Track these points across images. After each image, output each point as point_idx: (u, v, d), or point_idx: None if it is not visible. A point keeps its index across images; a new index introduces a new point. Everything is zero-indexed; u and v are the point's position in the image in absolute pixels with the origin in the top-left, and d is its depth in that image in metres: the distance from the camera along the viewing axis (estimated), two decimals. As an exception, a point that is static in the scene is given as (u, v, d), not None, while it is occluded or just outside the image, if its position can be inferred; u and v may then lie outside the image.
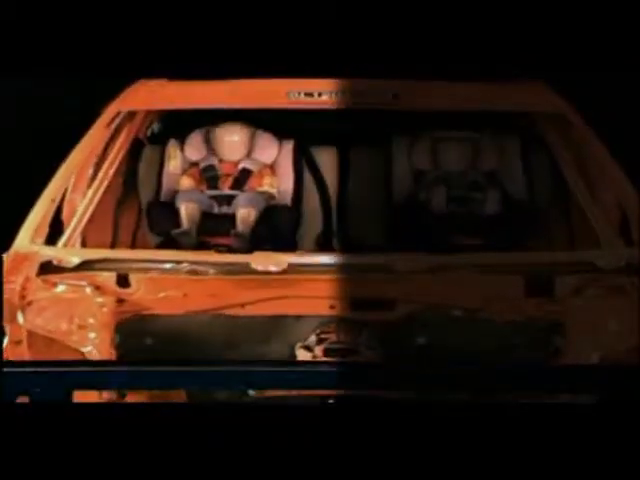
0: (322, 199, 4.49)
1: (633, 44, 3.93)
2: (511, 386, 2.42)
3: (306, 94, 3.86)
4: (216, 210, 4.25)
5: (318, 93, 3.86)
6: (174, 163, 4.38)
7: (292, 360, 3.06)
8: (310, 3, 4.35)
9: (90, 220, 3.89)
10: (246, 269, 3.29)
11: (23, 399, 2.36)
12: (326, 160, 4.55)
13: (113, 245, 4.32)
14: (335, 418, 2.40)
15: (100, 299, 3.34)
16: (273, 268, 3.27)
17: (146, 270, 3.34)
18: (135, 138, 4.39)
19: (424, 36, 4.22)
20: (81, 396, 2.52)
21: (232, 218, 4.16)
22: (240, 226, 4.10)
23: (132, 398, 3.06)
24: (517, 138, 4.37)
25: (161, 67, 3.98)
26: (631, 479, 2.27)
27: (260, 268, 3.28)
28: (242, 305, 3.31)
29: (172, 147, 4.40)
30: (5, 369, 2.40)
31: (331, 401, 2.63)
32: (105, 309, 3.32)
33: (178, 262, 3.31)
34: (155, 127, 4.64)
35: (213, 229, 4.14)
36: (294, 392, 2.73)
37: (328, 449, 2.31)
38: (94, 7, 3.98)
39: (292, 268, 3.28)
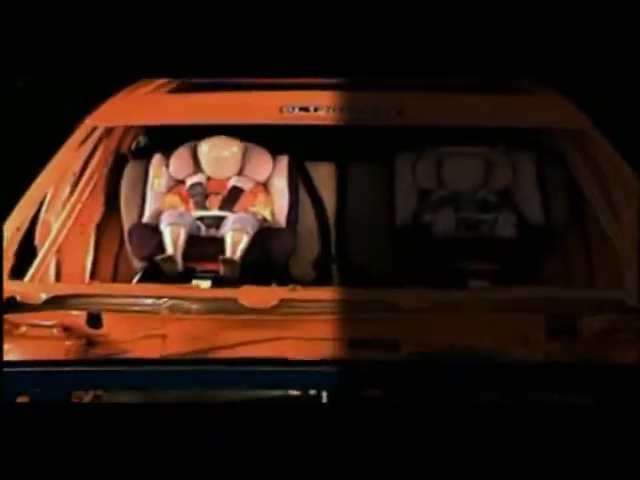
0: (319, 220, 4.17)
1: (634, 43, 3.77)
2: (511, 386, 2.41)
3: (301, 109, 3.51)
4: (203, 233, 3.90)
5: (314, 108, 3.51)
6: (158, 181, 4.03)
7: (292, 360, 2.82)
8: (310, 3, 4.10)
9: (66, 244, 3.68)
10: (233, 306, 3.01)
11: (23, 399, 2.39)
12: (323, 177, 4.23)
13: (93, 272, 4.02)
14: (334, 418, 2.38)
15: (68, 342, 3.01)
16: (263, 305, 2.98)
17: (121, 307, 3.05)
18: (117, 153, 4.11)
19: (425, 36, 3.95)
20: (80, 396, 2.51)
21: (221, 242, 3.81)
22: (229, 251, 3.75)
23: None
24: (532, 153, 4.04)
25: (161, 67, 3.77)
26: (631, 479, 2.25)
27: (249, 305, 2.99)
28: (228, 348, 2.98)
29: (157, 163, 4.07)
30: (5, 369, 2.42)
31: (325, 400, 2.51)
32: (73, 354, 2.98)
33: (158, 298, 3.04)
34: (141, 140, 4.31)
35: (200, 254, 3.79)
36: (293, 392, 2.62)
37: (327, 449, 2.30)
38: (94, 7, 3.80)
39: (285, 305, 3.01)
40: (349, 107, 3.51)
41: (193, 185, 3.98)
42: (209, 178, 4.00)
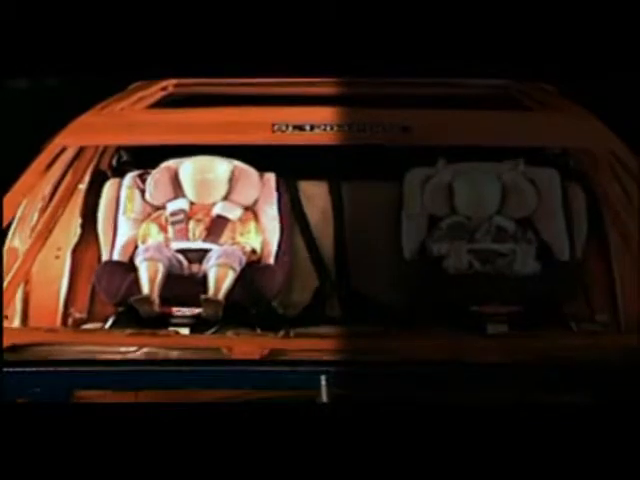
0: (316, 247, 3.83)
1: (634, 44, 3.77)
2: (510, 387, 2.40)
3: (295, 127, 3.12)
4: (185, 268, 3.51)
5: (310, 126, 3.13)
6: (131, 206, 3.65)
7: (291, 360, 2.73)
8: (310, 3, 4.13)
9: (38, 271, 3.49)
10: (216, 357, 2.73)
11: (23, 399, 2.41)
12: (318, 197, 3.90)
13: (67, 302, 3.67)
14: (334, 418, 2.35)
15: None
16: (251, 356, 2.70)
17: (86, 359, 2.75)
18: (96, 170, 3.79)
19: (425, 36, 3.95)
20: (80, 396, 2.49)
21: (203, 280, 3.42)
22: (212, 289, 3.36)
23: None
24: (554, 172, 3.66)
25: (161, 67, 3.73)
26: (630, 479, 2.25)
27: (235, 356, 2.71)
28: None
29: (130, 185, 3.69)
30: (5, 369, 2.42)
31: (324, 401, 2.43)
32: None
33: (129, 346, 2.79)
34: (122, 155, 3.97)
35: (180, 295, 3.41)
36: (293, 392, 2.53)
37: (327, 449, 2.28)
38: (94, 7, 3.78)
39: (276, 355, 2.72)
40: (349, 124, 3.14)
41: (174, 212, 3.60)
42: (192, 203, 3.63)
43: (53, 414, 2.33)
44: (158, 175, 3.69)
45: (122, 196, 3.67)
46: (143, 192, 3.68)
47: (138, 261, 3.41)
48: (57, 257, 3.67)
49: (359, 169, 3.92)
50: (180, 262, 3.50)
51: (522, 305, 3.37)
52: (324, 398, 2.42)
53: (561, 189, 3.65)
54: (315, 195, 3.90)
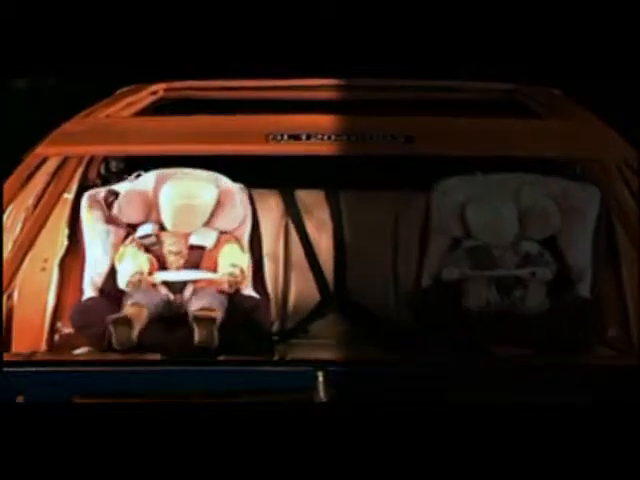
0: (314, 263, 3.66)
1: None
2: (511, 387, 2.42)
3: (290, 137, 2.98)
4: (172, 302, 3.25)
5: (307, 135, 2.99)
6: (93, 225, 3.43)
7: (291, 360, 2.87)
8: (310, 3, 4.20)
9: (24, 284, 3.39)
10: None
11: (23, 399, 2.42)
12: (316, 208, 3.72)
13: (54, 315, 3.52)
14: (334, 419, 2.37)
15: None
16: None
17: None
18: (83, 178, 3.61)
19: (426, 36, 4.06)
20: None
21: (187, 324, 3.17)
22: (198, 338, 3.09)
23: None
24: (596, 191, 3.44)
25: (160, 68, 3.75)
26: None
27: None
28: None
29: (87, 206, 3.45)
30: (5, 369, 2.47)
31: (324, 401, 2.43)
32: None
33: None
34: (110, 162, 3.78)
35: (165, 334, 3.20)
36: (292, 392, 2.52)
37: (326, 450, 2.31)
38: (94, 8, 3.93)
39: None
40: (347, 134, 3.00)
41: (144, 236, 3.34)
42: (163, 228, 3.35)
43: (53, 414, 2.35)
44: (132, 193, 3.43)
45: (82, 217, 3.46)
46: (105, 212, 3.45)
47: (126, 299, 3.20)
48: (43, 269, 3.50)
49: (359, 178, 3.74)
50: (165, 297, 3.25)
51: (536, 347, 3.18)
52: (322, 398, 2.40)
53: (599, 209, 3.43)
54: (312, 205, 3.73)
